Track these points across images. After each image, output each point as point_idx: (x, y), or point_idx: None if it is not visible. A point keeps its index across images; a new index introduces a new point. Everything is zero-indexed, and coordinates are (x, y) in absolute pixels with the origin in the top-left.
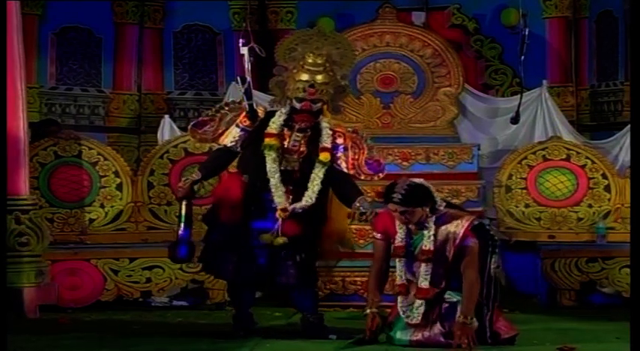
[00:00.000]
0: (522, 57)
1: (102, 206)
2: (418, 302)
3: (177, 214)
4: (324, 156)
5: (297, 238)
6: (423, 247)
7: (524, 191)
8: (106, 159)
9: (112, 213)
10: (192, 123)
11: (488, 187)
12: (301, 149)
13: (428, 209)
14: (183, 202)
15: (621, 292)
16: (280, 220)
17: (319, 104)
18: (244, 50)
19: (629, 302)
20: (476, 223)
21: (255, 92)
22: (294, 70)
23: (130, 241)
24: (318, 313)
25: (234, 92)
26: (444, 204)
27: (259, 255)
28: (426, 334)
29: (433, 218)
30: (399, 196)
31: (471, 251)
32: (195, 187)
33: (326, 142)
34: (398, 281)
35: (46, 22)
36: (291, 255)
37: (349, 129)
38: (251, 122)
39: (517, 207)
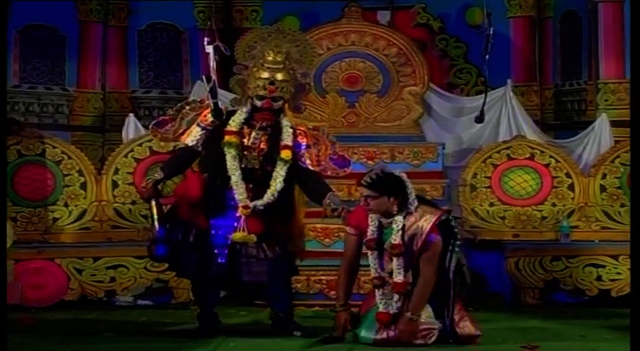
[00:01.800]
0: (487, 56)
1: (66, 205)
2: (396, 297)
3: (146, 214)
4: (286, 154)
5: (262, 234)
6: (393, 241)
7: (489, 190)
8: (69, 158)
9: (76, 212)
10: (153, 122)
11: (453, 186)
12: (261, 147)
13: (396, 202)
14: (152, 202)
15: (584, 290)
16: (243, 217)
17: (280, 102)
18: (209, 49)
19: (630, 302)
20: (443, 218)
21: (220, 91)
22: (254, 69)
23: (94, 241)
24: (289, 310)
25: (199, 91)
26: (416, 203)
27: (219, 254)
28: (391, 333)
29: (403, 213)
30: (368, 180)
31: (432, 247)
32: (159, 187)
33: (287, 139)
34: (373, 274)
35: (10, 20)
36: (257, 252)
37: (310, 126)
38: (216, 120)
39: (482, 206)
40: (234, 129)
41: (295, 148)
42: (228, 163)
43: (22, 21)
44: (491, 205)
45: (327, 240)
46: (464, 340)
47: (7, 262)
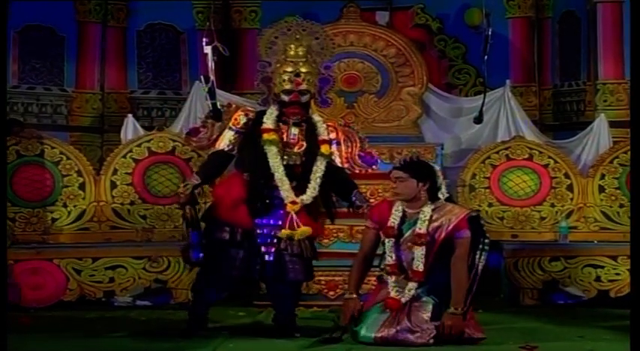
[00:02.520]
0: (486, 57)
1: (64, 206)
2: (411, 284)
3: (145, 214)
4: (325, 148)
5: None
6: (418, 230)
7: (488, 190)
8: (68, 158)
9: (74, 212)
10: (186, 131)
11: (452, 187)
12: (300, 143)
13: (424, 189)
14: (187, 207)
15: (583, 291)
16: (292, 213)
17: (307, 96)
18: (208, 49)
19: (630, 302)
20: (473, 214)
21: (218, 91)
22: (278, 65)
23: (93, 241)
24: (293, 312)
25: (197, 91)
26: (447, 195)
27: (267, 253)
28: (392, 331)
29: (431, 205)
30: (401, 161)
31: (463, 243)
32: (196, 192)
33: (324, 134)
34: (389, 261)
35: (9, 20)
36: (300, 251)
37: (340, 123)
38: (215, 121)
39: (480, 206)
40: (271, 126)
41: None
42: (270, 161)
43: (21, 21)
44: (490, 205)
45: (325, 241)
46: (467, 340)
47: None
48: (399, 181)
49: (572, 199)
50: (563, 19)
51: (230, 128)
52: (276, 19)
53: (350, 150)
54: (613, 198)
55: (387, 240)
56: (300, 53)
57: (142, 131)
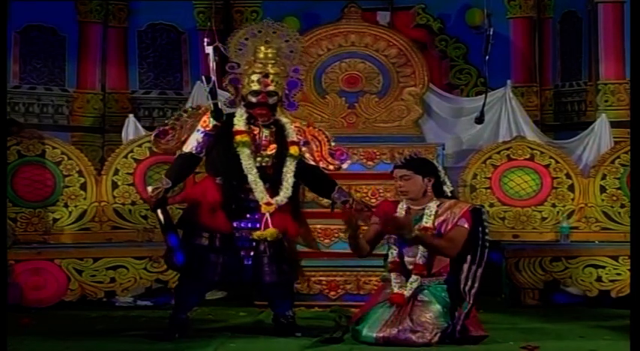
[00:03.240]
0: (487, 57)
1: (66, 206)
2: (413, 277)
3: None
4: (294, 149)
5: (284, 233)
6: (424, 224)
7: (489, 191)
8: (69, 158)
9: (75, 213)
10: (153, 134)
11: (453, 187)
12: (272, 145)
13: (430, 183)
14: (159, 211)
15: (584, 291)
16: (267, 214)
17: (275, 97)
18: (209, 49)
19: (630, 302)
20: (477, 206)
21: (220, 92)
22: (246, 66)
23: (94, 241)
24: (292, 312)
25: (199, 91)
26: (452, 188)
27: (245, 256)
28: (394, 331)
29: (437, 201)
30: (403, 159)
31: (458, 229)
32: (167, 195)
33: (292, 136)
34: (390, 258)
35: (10, 20)
36: (273, 253)
37: (304, 123)
38: (217, 122)
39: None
40: (243, 128)
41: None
42: (243, 163)
43: (22, 21)
44: (491, 205)
45: (326, 241)
46: (469, 338)
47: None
48: (404, 179)
49: (573, 200)
50: (565, 19)
51: (198, 130)
52: (277, 19)
53: (319, 148)
54: (614, 198)
55: (391, 236)
56: (270, 55)
57: (143, 131)
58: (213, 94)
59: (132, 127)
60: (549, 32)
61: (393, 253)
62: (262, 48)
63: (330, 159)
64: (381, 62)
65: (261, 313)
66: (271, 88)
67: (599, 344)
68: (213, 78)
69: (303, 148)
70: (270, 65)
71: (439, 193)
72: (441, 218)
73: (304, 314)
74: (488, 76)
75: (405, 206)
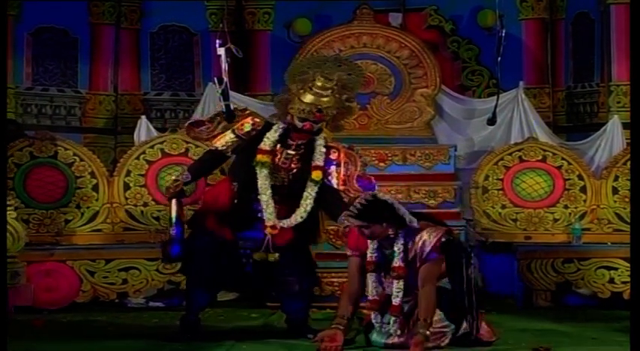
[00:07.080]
0: (499, 58)
1: (78, 207)
2: (393, 318)
3: (158, 216)
4: (316, 174)
5: (291, 245)
6: (394, 264)
7: (501, 192)
8: (82, 160)
9: (88, 214)
10: (189, 121)
11: (465, 188)
12: (292, 166)
13: (390, 227)
14: (173, 202)
15: (597, 292)
16: (269, 235)
17: (320, 124)
18: (221, 51)
19: (630, 302)
20: (444, 239)
21: (231, 93)
22: (301, 90)
23: (106, 243)
24: (305, 315)
25: (211, 93)
26: (416, 221)
27: (246, 263)
28: (402, 338)
29: (403, 233)
30: (355, 210)
31: (431, 266)
32: (185, 188)
33: (318, 160)
34: (370, 297)
35: (22, 22)
36: (287, 264)
37: (345, 145)
38: (228, 123)
39: (493, 208)
40: (267, 148)
41: (325, 165)
42: (259, 182)
43: (34, 23)
44: (503, 207)
45: (338, 242)
46: (480, 344)
47: (20, 264)
48: (364, 228)
49: (585, 201)
50: (577, 20)
51: (233, 131)
52: (289, 20)
53: (349, 173)
54: (626, 199)
55: (368, 274)
56: (327, 86)
57: (155, 133)
58: (225, 96)
59: (144, 129)
60: (561, 33)
61: (373, 291)
62: (322, 79)
63: (354, 185)
64: (393, 64)
65: (273, 314)
66: (320, 119)
67: (612, 346)
68: (226, 79)
69: (332, 170)
70: (323, 97)
71: (403, 226)
72: (411, 254)
73: (316, 316)
74: (500, 77)
75: (375, 244)
